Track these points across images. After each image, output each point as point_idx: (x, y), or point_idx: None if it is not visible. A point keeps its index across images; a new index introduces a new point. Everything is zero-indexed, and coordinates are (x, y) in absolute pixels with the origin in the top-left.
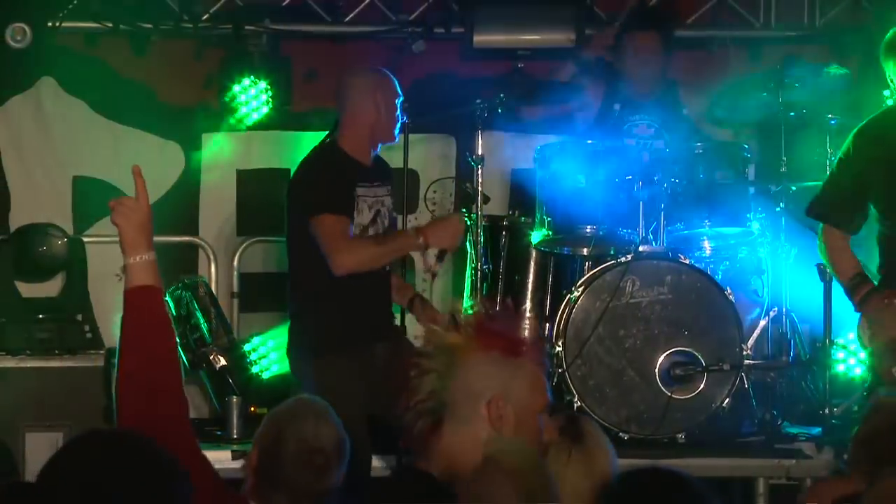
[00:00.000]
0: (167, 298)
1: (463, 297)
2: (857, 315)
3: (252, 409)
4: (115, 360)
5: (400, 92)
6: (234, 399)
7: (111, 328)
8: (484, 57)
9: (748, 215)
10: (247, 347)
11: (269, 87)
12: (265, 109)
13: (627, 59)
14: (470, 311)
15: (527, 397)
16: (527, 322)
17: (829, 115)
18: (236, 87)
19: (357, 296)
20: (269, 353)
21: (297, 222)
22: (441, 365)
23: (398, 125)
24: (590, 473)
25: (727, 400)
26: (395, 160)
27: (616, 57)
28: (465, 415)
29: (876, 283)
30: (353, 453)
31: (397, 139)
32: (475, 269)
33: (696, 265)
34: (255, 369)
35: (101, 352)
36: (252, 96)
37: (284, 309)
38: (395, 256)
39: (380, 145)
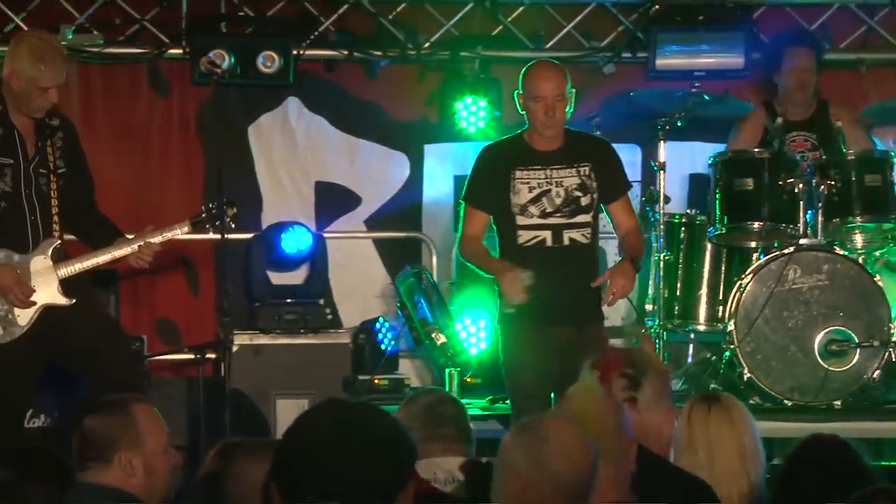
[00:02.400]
0: (398, 284)
1: (648, 283)
2: None
3: (468, 379)
4: None
5: (544, 91)
6: (453, 371)
7: (349, 311)
8: (665, 77)
9: (894, 212)
10: (462, 327)
11: (484, 104)
12: (482, 124)
13: (783, 73)
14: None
15: None
16: None
17: None
18: (458, 105)
19: (537, 275)
20: (479, 332)
21: None
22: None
23: (545, 120)
24: (730, 421)
25: (877, 372)
26: None
27: (776, 75)
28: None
29: None
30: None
31: (550, 136)
32: (658, 258)
33: (850, 255)
34: (469, 345)
35: (341, 331)
36: (472, 112)
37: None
38: (488, 274)
39: (566, 129)
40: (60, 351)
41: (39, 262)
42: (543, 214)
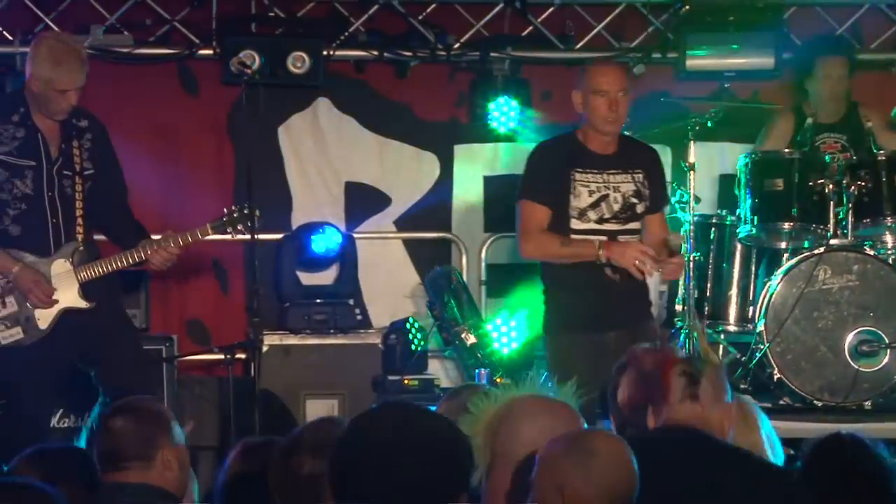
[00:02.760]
0: (428, 284)
1: (677, 284)
2: None
3: (498, 379)
4: None
5: (607, 85)
6: (482, 371)
7: (378, 311)
8: (695, 78)
9: None
10: (492, 327)
11: (515, 105)
12: (511, 125)
13: (817, 81)
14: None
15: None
16: None
17: None
18: (486, 105)
19: (586, 283)
20: (510, 332)
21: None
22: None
23: (608, 115)
24: (744, 420)
25: None
26: None
27: (808, 82)
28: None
29: None
30: None
31: (610, 133)
32: (688, 259)
33: (880, 256)
34: (498, 345)
35: (371, 331)
36: (500, 113)
37: (525, 295)
38: (574, 260)
39: (621, 132)
40: (79, 353)
41: (60, 266)
42: (600, 220)
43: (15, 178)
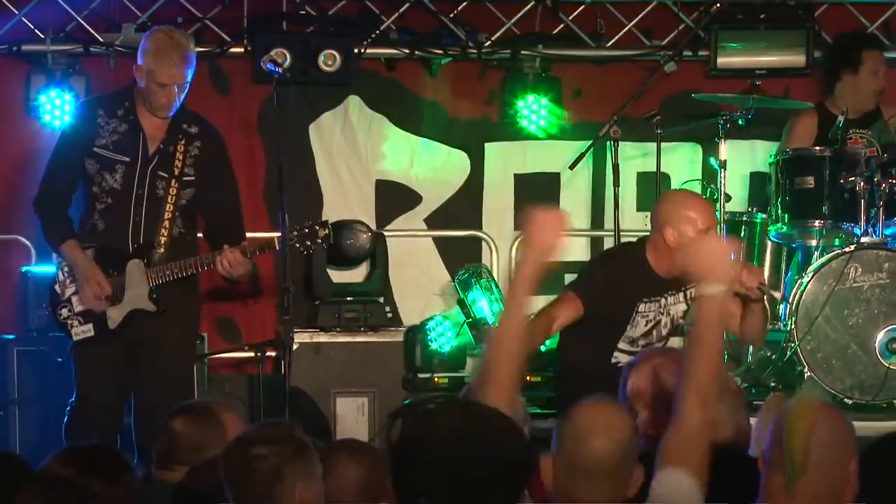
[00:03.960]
0: (455, 282)
1: None
2: None
3: (527, 377)
4: None
5: (709, 219)
6: None
7: (409, 309)
8: (726, 75)
9: None
10: None
11: (546, 103)
12: (542, 122)
13: (863, 73)
14: None
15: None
16: None
17: None
18: (517, 103)
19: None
20: None
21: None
22: None
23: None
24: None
25: None
26: (649, 165)
27: (846, 73)
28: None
29: None
30: None
31: None
32: None
33: None
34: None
35: (401, 329)
36: (531, 111)
37: (555, 292)
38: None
39: None
40: (137, 354)
41: (135, 265)
42: (647, 344)
43: (105, 171)
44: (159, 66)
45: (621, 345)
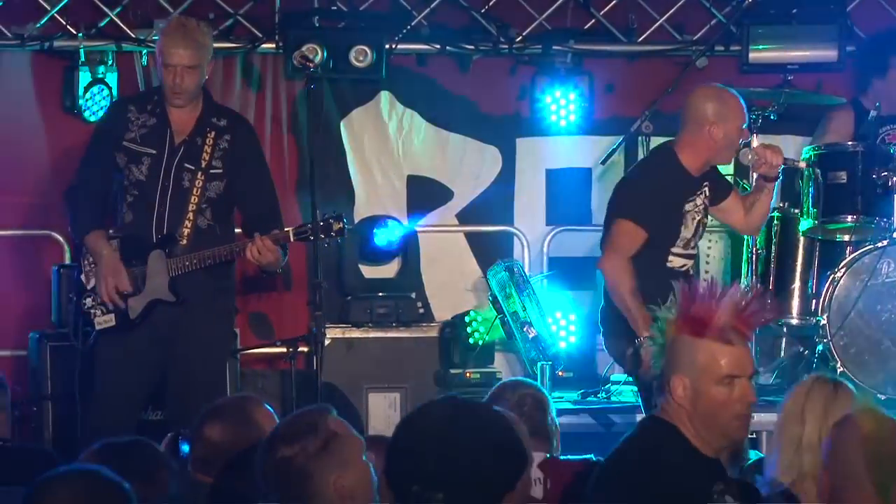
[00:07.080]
0: (490, 278)
1: (740, 277)
2: None
3: (559, 372)
4: None
5: (746, 119)
6: (545, 364)
7: (440, 305)
8: (758, 71)
9: None
10: (553, 321)
11: (577, 98)
12: (573, 118)
13: (890, 81)
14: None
15: (699, 374)
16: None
17: None
18: (548, 99)
19: (650, 290)
20: (570, 325)
21: (609, 215)
22: (660, 343)
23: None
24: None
25: None
26: None
27: (878, 78)
28: (665, 390)
29: None
30: None
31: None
32: (751, 252)
33: None
34: (560, 340)
35: (433, 324)
36: (562, 106)
37: (587, 288)
38: (624, 313)
39: None
40: (163, 347)
41: (156, 256)
42: (696, 245)
43: (132, 164)
44: (165, 47)
45: (675, 249)
